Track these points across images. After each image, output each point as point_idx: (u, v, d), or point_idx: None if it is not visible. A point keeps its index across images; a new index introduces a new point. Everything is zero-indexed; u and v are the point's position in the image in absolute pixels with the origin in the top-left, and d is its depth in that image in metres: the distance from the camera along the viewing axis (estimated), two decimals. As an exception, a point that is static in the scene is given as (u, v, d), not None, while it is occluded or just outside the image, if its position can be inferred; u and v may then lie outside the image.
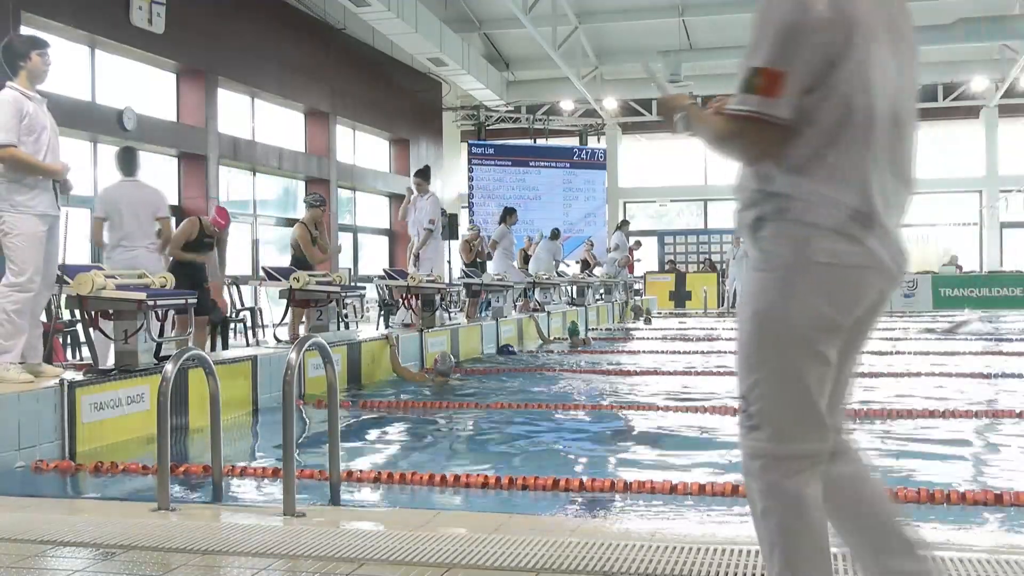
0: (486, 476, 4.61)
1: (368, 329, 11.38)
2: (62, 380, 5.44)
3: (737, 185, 2.11)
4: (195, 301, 6.90)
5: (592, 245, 21.68)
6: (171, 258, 8.06)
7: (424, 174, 12.25)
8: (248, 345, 10.49)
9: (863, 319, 2.09)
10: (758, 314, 2.05)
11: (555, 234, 18.01)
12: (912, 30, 2.10)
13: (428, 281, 10.45)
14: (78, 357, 8.54)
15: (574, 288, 17.54)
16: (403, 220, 12.60)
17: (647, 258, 26.37)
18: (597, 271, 20.40)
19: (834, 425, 2.11)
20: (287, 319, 8.91)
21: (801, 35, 1.92)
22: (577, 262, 21.66)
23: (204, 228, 8.34)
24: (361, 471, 4.78)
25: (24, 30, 10.99)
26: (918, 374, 8.95)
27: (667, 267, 25.40)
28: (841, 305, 2.00)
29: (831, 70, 1.94)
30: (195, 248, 8.24)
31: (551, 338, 13.30)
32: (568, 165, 25.07)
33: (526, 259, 18.16)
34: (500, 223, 15.44)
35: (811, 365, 2.02)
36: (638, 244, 22.64)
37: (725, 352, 11.93)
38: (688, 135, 2.17)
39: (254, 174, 16.95)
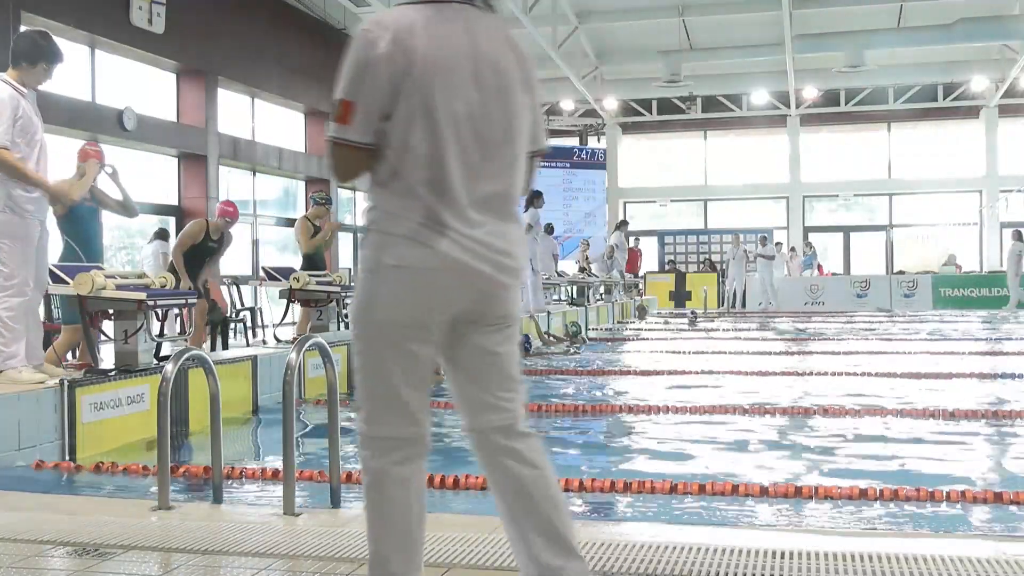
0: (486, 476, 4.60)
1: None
2: (62, 380, 5.44)
3: None
4: (195, 301, 6.91)
5: (588, 246, 21.66)
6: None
7: None
8: (248, 345, 10.49)
9: (472, 318, 2.30)
10: (352, 312, 2.31)
11: (549, 229, 17.84)
12: (512, 76, 2.32)
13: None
14: (78, 357, 8.53)
15: (574, 288, 17.54)
16: None
17: (647, 258, 26.37)
18: (595, 268, 20.42)
19: (422, 416, 2.31)
20: (293, 318, 8.91)
21: (368, 69, 2.21)
22: (576, 261, 21.66)
23: (210, 231, 8.29)
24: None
25: (24, 31, 11.00)
26: (917, 375, 8.95)
27: (667, 267, 25.41)
28: (416, 304, 2.23)
29: (398, 98, 2.21)
30: (199, 252, 8.18)
31: (551, 338, 13.28)
32: (568, 165, 25.07)
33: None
34: (528, 207, 15.01)
35: (394, 359, 2.25)
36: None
37: (725, 352, 11.93)
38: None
39: (254, 174, 16.96)
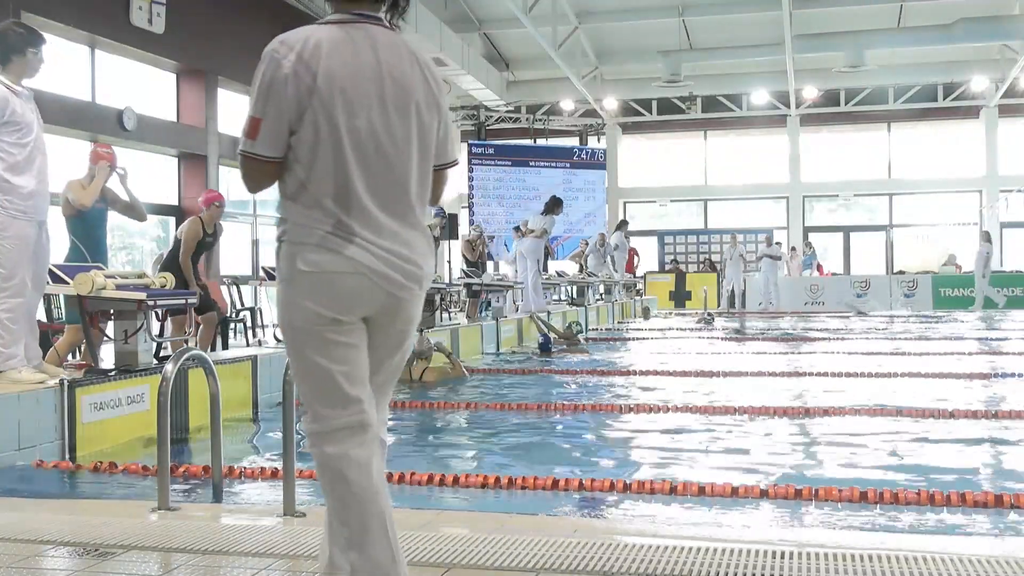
0: (486, 476, 4.61)
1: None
2: (62, 380, 5.43)
3: None
4: (195, 301, 6.90)
5: (587, 245, 21.66)
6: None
7: None
8: (248, 345, 10.49)
9: (380, 322, 2.42)
10: (278, 320, 2.46)
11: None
12: (416, 93, 2.43)
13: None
14: (78, 357, 8.53)
15: (574, 288, 17.53)
16: None
17: (647, 258, 26.38)
18: (591, 260, 20.42)
19: (365, 401, 2.40)
20: None
21: (274, 87, 2.33)
22: (575, 260, 21.66)
23: (205, 225, 8.28)
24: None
25: None
26: (917, 374, 8.96)
27: (668, 267, 25.40)
28: (331, 303, 2.35)
29: (303, 115, 2.33)
30: (198, 249, 8.18)
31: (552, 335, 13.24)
32: (568, 165, 25.07)
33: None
34: (547, 213, 14.83)
35: (322, 353, 2.37)
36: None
37: (725, 353, 11.93)
38: None
39: (254, 174, 16.93)
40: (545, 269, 17.74)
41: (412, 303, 2.45)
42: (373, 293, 2.37)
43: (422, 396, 8.09)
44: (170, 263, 8.02)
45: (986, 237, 20.82)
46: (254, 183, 2.45)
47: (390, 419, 7.19)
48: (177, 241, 8.30)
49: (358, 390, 2.40)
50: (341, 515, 2.36)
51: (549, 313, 14.15)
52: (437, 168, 2.53)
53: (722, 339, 14.15)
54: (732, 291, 22.37)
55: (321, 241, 2.34)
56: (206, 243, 8.30)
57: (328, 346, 2.37)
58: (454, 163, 2.60)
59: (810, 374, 9.27)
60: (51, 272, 5.99)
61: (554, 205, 14.74)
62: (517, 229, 16.00)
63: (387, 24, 2.47)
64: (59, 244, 6.58)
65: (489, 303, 13.21)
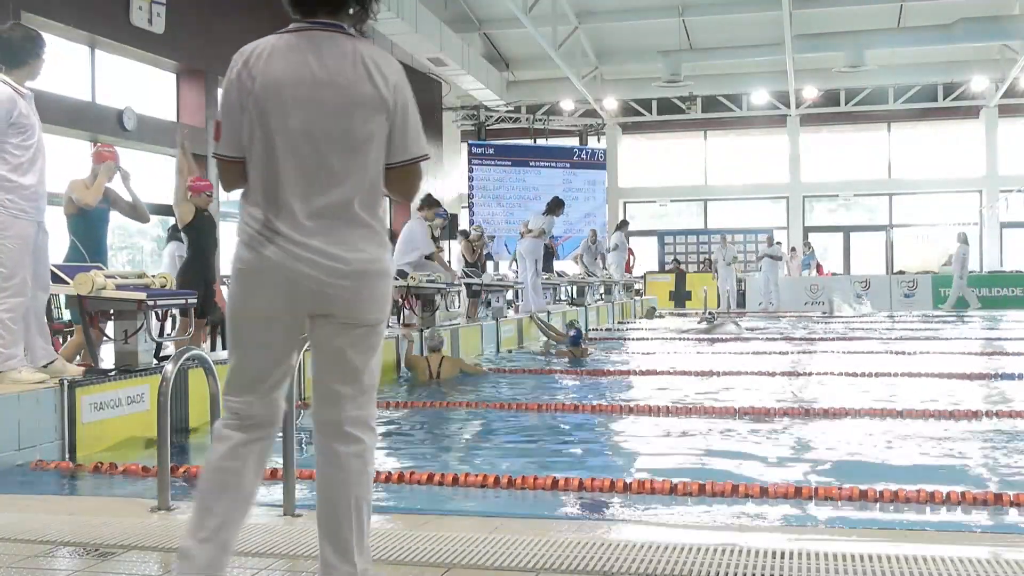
0: (486, 476, 4.61)
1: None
2: (62, 380, 5.43)
3: None
4: (195, 301, 6.88)
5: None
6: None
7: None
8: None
9: (323, 314, 2.51)
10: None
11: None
12: (359, 95, 2.49)
13: (428, 281, 10.46)
14: (78, 358, 8.52)
15: (574, 288, 17.53)
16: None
17: (648, 258, 26.39)
18: (585, 259, 20.42)
19: (258, 399, 2.55)
20: None
21: (227, 92, 2.53)
22: (575, 260, 21.65)
23: (198, 207, 8.10)
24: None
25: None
26: (917, 374, 8.96)
27: (669, 267, 25.40)
28: (254, 299, 2.51)
29: (245, 117, 2.50)
30: (203, 235, 8.04)
31: (557, 334, 13.23)
32: (568, 165, 25.07)
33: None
34: (548, 213, 14.81)
35: (243, 347, 2.56)
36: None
37: (727, 353, 11.93)
38: None
39: (254, 174, 16.94)
40: (549, 269, 17.74)
41: (348, 299, 2.50)
42: (290, 291, 2.47)
43: (422, 396, 8.09)
44: (188, 262, 8.01)
45: (963, 238, 21.01)
46: (225, 182, 2.63)
47: (390, 419, 7.18)
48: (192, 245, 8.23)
49: (256, 388, 2.55)
50: (198, 482, 2.57)
51: (549, 313, 14.14)
52: (398, 165, 2.57)
53: (722, 339, 14.15)
54: (728, 292, 22.37)
55: (249, 240, 2.50)
56: (207, 227, 8.14)
57: (246, 340, 2.56)
58: (419, 158, 2.61)
59: (810, 374, 9.27)
60: (51, 272, 5.98)
61: (556, 206, 14.71)
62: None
63: (347, 31, 2.55)
64: (58, 244, 6.58)
65: (489, 303, 13.21)
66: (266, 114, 2.48)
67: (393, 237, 22.30)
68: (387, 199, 2.70)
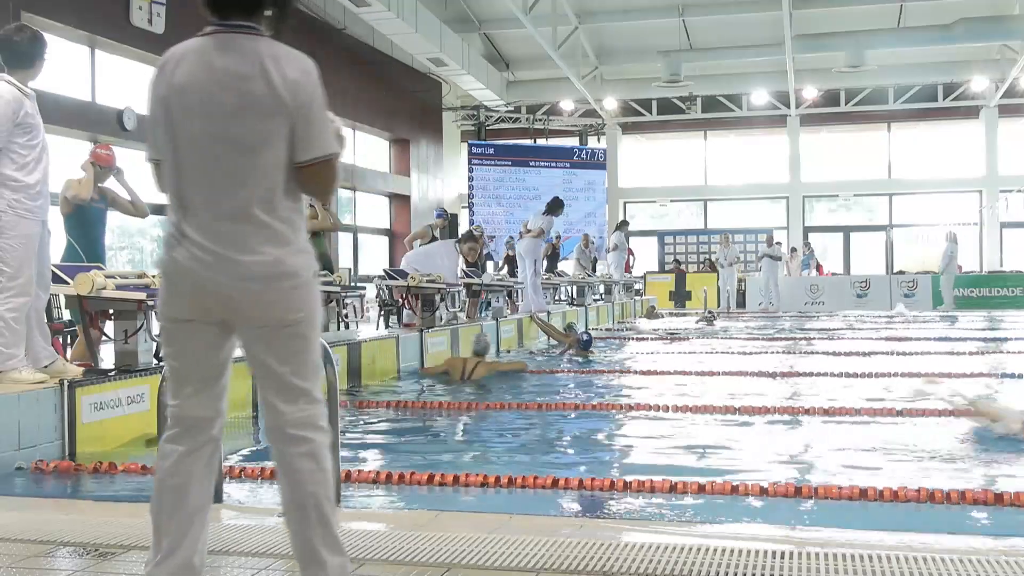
0: (486, 476, 4.60)
1: (368, 329, 11.38)
2: (62, 380, 5.43)
3: None
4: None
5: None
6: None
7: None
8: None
9: (240, 321, 2.51)
10: None
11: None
12: (258, 97, 2.47)
13: (428, 281, 10.47)
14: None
15: (574, 288, 17.53)
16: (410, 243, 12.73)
17: (648, 258, 26.39)
18: (580, 262, 20.46)
19: (188, 401, 2.58)
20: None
21: (148, 96, 2.56)
22: (576, 260, 21.66)
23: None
24: (361, 471, 4.77)
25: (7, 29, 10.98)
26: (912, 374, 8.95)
27: (669, 267, 25.39)
28: (171, 302, 2.54)
29: (159, 122, 2.53)
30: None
31: (553, 334, 13.24)
32: (568, 165, 25.08)
33: (509, 260, 18.02)
34: (548, 214, 14.84)
35: (170, 348, 2.58)
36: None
37: (726, 353, 11.93)
38: None
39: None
40: (553, 269, 17.75)
41: (258, 302, 2.48)
42: (198, 294, 2.49)
43: (422, 396, 8.09)
44: None
45: (952, 238, 21.01)
46: (156, 184, 2.65)
47: (390, 418, 7.17)
48: None
49: (187, 386, 2.57)
50: (154, 488, 2.57)
51: (549, 313, 14.15)
52: (306, 164, 2.52)
53: (722, 339, 14.15)
54: (729, 292, 22.36)
55: (165, 242, 2.55)
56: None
57: (173, 343, 2.57)
58: (328, 157, 2.55)
59: (809, 374, 9.27)
60: (52, 272, 5.99)
61: (556, 206, 14.71)
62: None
63: (260, 32, 2.54)
64: (57, 244, 6.59)
65: (489, 303, 13.21)
66: (173, 119, 2.50)
67: (393, 238, 22.31)
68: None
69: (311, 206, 10.20)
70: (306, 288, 2.55)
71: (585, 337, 11.57)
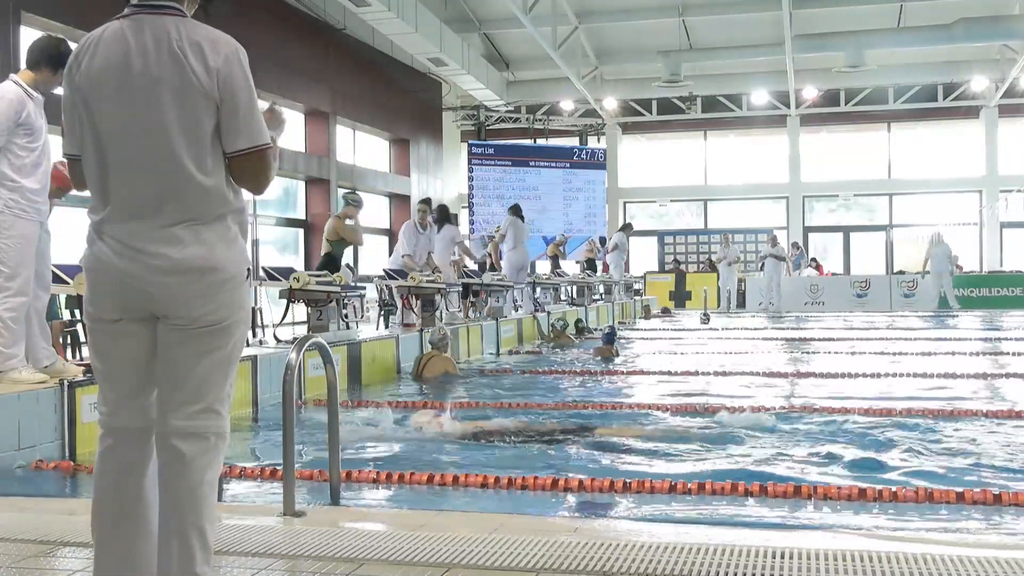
0: (486, 476, 4.61)
1: (368, 329, 11.38)
2: (62, 380, 5.43)
3: None
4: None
5: (593, 244, 21.67)
6: None
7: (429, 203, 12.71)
8: (248, 345, 10.48)
9: (157, 315, 2.39)
10: None
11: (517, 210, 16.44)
12: (171, 86, 2.35)
13: (428, 281, 10.48)
14: (78, 357, 8.53)
15: (574, 288, 17.53)
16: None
17: (648, 258, 26.39)
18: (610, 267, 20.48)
19: (115, 404, 2.44)
20: (292, 318, 8.95)
21: (64, 94, 2.45)
22: (577, 262, 21.65)
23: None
24: (361, 471, 4.77)
25: (24, 30, 10.99)
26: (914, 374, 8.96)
27: (669, 267, 25.38)
28: (94, 300, 2.43)
29: (75, 114, 2.42)
30: None
31: (551, 335, 13.25)
32: (568, 165, 25.07)
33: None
34: (513, 214, 15.15)
35: (96, 350, 2.46)
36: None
37: (727, 352, 11.93)
38: None
39: (254, 174, 16.94)
40: (556, 271, 17.76)
41: (174, 297, 2.36)
42: (116, 288, 2.38)
43: (421, 396, 8.08)
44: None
45: (938, 239, 21.06)
46: (73, 181, 2.55)
47: (390, 418, 7.13)
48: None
49: (115, 391, 2.43)
50: (92, 508, 2.43)
51: (549, 314, 14.16)
52: (236, 155, 2.40)
53: (721, 338, 14.15)
54: (729, 292, 22.35)
55: (88, 236, 2.44)
56: None
57: (98, 343, 2.46)
58: (260, 147, 2.42)
59: (809, 374, 9.27)
60: (52, 272, 5.99)
61: (518, 210, 15.28)
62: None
63: (181, 12, 2.42)
64: (57, 244, 6.57)
65: (488, 303, 13.20)
66: (90, 109, 2.38)
67: (393, 238, 22.32)
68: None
69: (337, 217, 10.60)
70: (231, 285, 2.41)
71: (607, 331, 11.66)
